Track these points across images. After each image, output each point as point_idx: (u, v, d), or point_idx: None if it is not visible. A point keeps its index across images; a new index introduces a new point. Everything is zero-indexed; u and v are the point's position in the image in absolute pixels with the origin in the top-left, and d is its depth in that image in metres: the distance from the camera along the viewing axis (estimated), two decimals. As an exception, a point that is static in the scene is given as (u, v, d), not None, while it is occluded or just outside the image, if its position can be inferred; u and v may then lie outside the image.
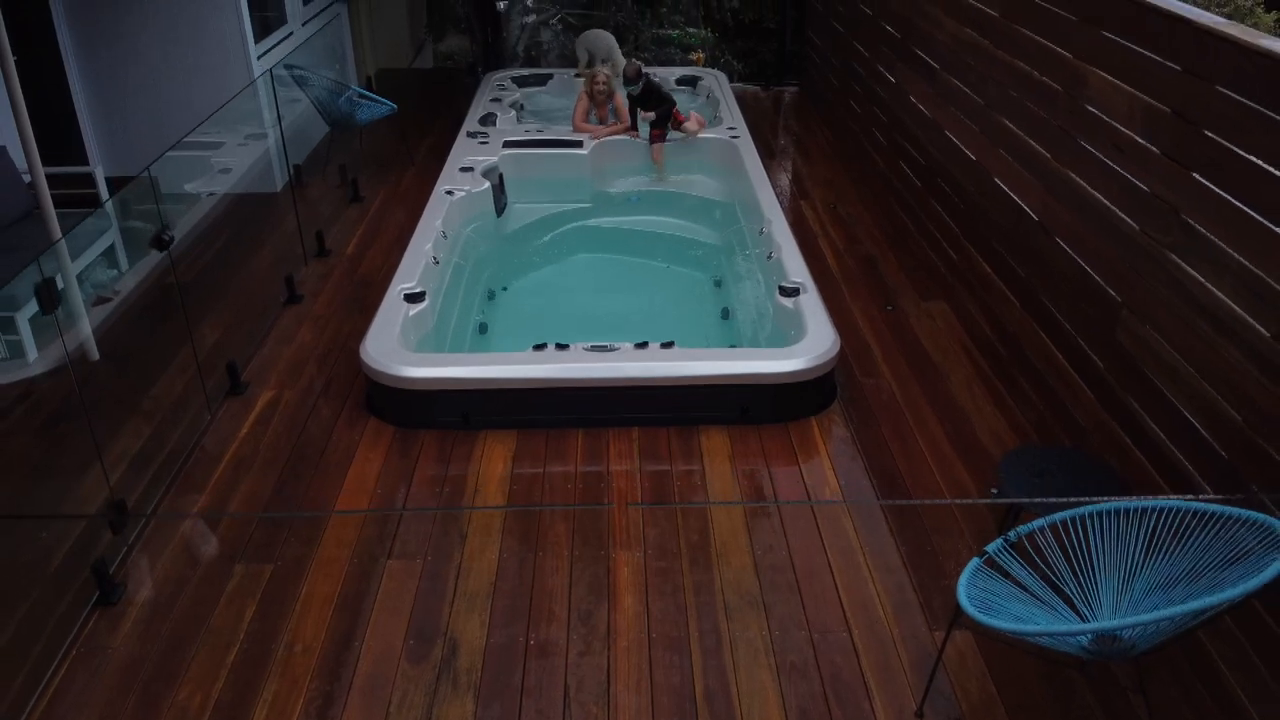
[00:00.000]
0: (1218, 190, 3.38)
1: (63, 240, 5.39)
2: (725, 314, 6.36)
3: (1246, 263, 3.23)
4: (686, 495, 4.47)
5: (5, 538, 4.06)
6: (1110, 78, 4.10)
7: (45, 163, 5.22)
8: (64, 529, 4.15)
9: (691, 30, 12.01)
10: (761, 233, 6.43)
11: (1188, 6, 3.68)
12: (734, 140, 7.96)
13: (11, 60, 4.93)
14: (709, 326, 6.33)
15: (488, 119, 8.45)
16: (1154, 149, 3.78)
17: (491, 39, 11.07)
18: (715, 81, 9.54)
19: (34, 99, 5.22)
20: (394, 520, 4.26)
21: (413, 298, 5.47)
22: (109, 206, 6.35)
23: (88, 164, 7.12)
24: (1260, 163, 3.17)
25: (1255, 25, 10.36)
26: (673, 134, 7.65)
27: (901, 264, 6.58)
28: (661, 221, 7.46)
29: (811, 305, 5.35)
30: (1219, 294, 3.38)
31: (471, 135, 7.98)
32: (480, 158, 7.52)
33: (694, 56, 11.34)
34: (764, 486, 4.49)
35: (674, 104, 7.60)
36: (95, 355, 5.42)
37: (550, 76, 9.84)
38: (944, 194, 6.26)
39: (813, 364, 4.87)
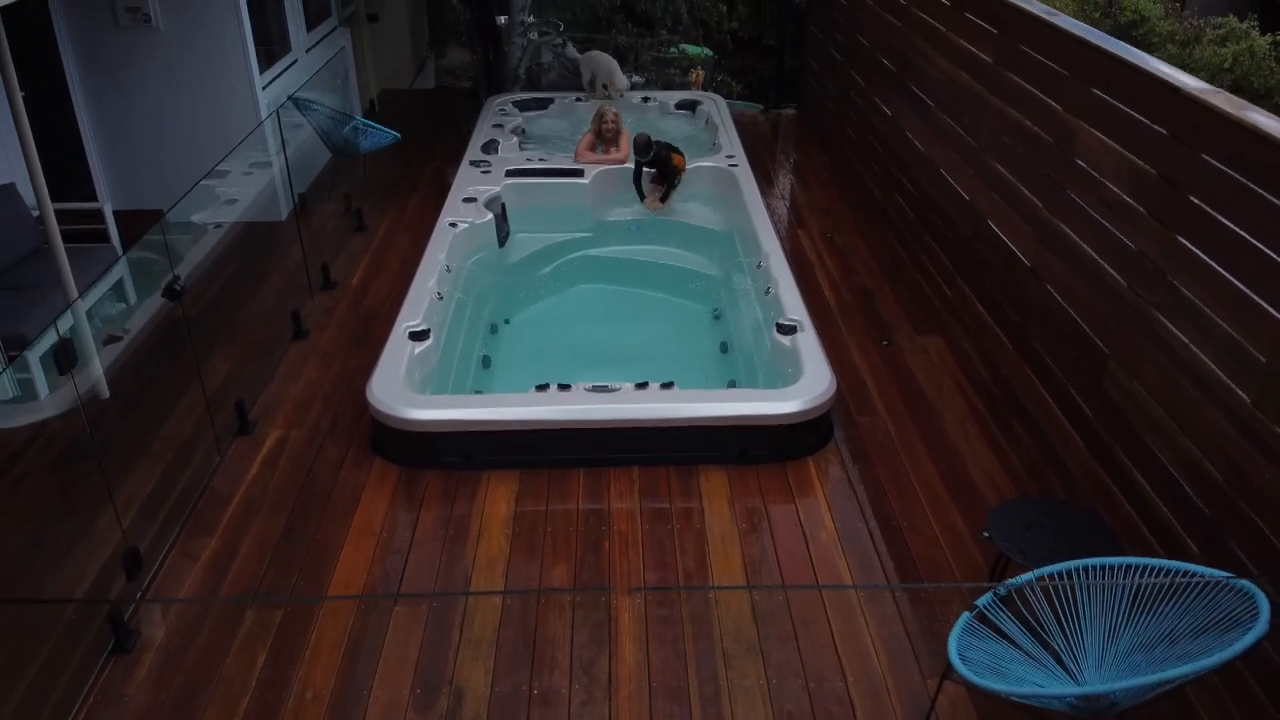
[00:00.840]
0: (1202, 255, 3.49)
1: (72, 280, 5.50)
2: (724, 348, 6.47)
3: (1229, 329, 3.34)
4: (686, 532, 4.57)
5: (23, 584, 4.17)
6: (1099, 135, 4.20)
7: (54, 198, 5.29)
8: (79, 575, 4.26)
9: (690, 47, 12.09)
10: (759, 266, 6.53)
11: (1177, 73, 3.78)
12: (733, 169, 8.07)
13: (19, 96, 4.99)
14: (708, 360, 6.44)
15: (490, 146, 8.56)
16: (1140, 209, 3.88)
17: (493, 59, 11.16)
18: (714, 106, 9.64)
19: (42, 134, 5.28)
20: (400, 564, 4.36)
21: (417, 335, 5.57)
22: (115, 241, 6.44)
23: (96, 198, 7.22)
24: (1242, 233, 3.27)
25: (1251, 48, 10.49)
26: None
27: (897, 296, 6.69)
28: (661, 251, 7.56)
29: (808, 344, 5.45)
30: (1203, 356, 3.48)
31: (474, 164, 8.08)
32: (483, 187, 7.63)
33: (693, 75, 11.44)
34: (762, 528, 4.59)
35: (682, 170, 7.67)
36: (106, 394, 5.53)
37: (551, 100, 9.94)
38: (938, 229, 6.36)
39: (809, 406, 4.97)
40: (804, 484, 4.90)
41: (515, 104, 9.78)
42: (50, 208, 5.33)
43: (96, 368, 5.40)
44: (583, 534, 4.53)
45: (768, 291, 6.19)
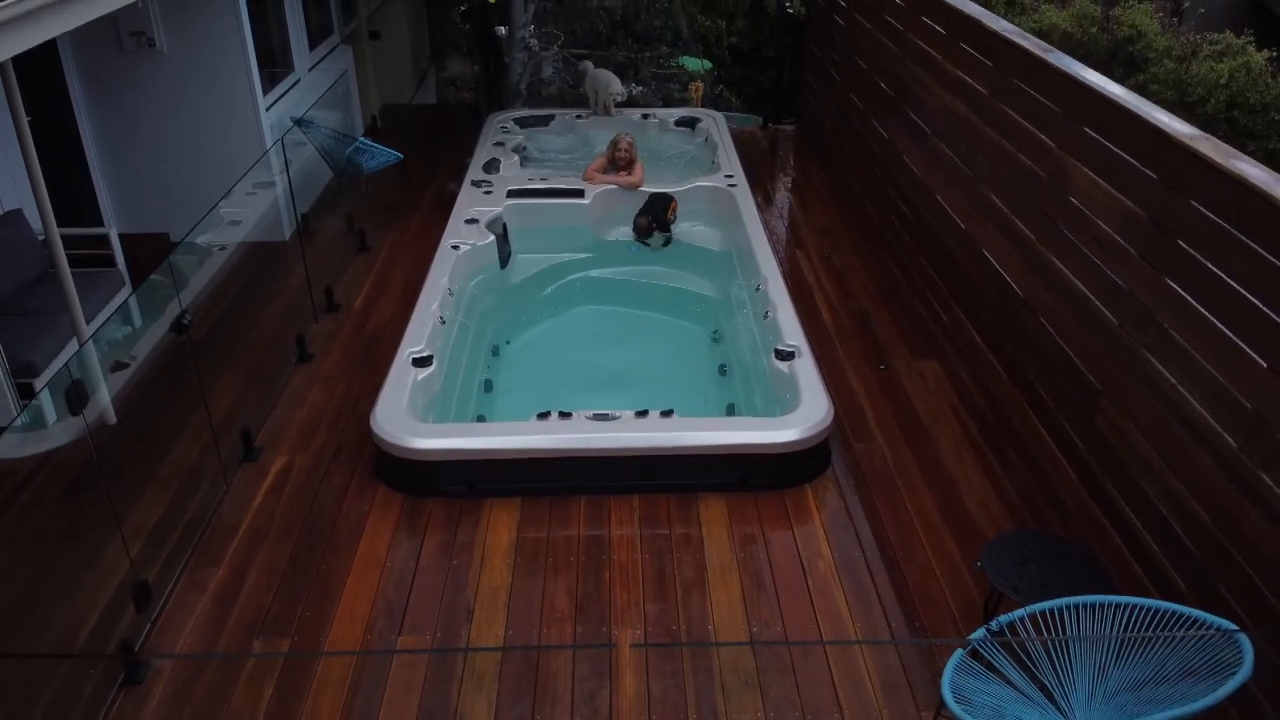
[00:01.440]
0: (1190, 300, 3.56)
1: (80, 307, 5.57)
2: (722, 370, 6.55)
3: (1216, 374, 3.41)
4: (685, 562, 4.64)
5: (35, 613, 4.24)
6: (1091, 174, 4.27)
7: (59, 222, 5.30)
8: (89, 605, 4.33)
9: (689, 60, 12.14)
10: (758, 289, 6.61)
11: (1166, 117, 3.85)
12: (732, 189, 8.14)
13: (25, 121, 5.04)
14: (706, 383, 6.52)
15: (491, 165, 8.63)
16: (1131, 250, 3.96)
17: (494, 72, 11.23)
18: (714, 124, 9.72)
19: (47, 158, 5.29)
20: (404, 594, 4.44)
21: (420, 362, 5.65)
22: (121, 265, 6.51)
23: (101, 222, 7.29)
24: (1229, 280, 3.35)
25: (1247, 64, 10.55)
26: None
27: (894, 319, 6.76)
28: (660, 272, 7.64)
29: (806, 371, 5.52)
30: (1191, 399, 3.56)
31: (476, 184, 8.16)
32: (485, 208, 7.70)
33: (692, 87, 11.51)
34: (760, 557, 4.66)
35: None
36: (113, 420, 5.60)
37: (552, 117, 10.01)
38: (934, 255, 6.44)
39: (807, 434, 5.05)
40: (802, 512, 4.97)
41: (516, 121, 9.86)
42: (57, 233, 5.38)
43: (104, 395, 5.47)
44: (583, 564, 4.60)
45: (766, 315, 6.27)
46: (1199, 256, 3.51)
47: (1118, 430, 4.07)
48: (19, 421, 5.47)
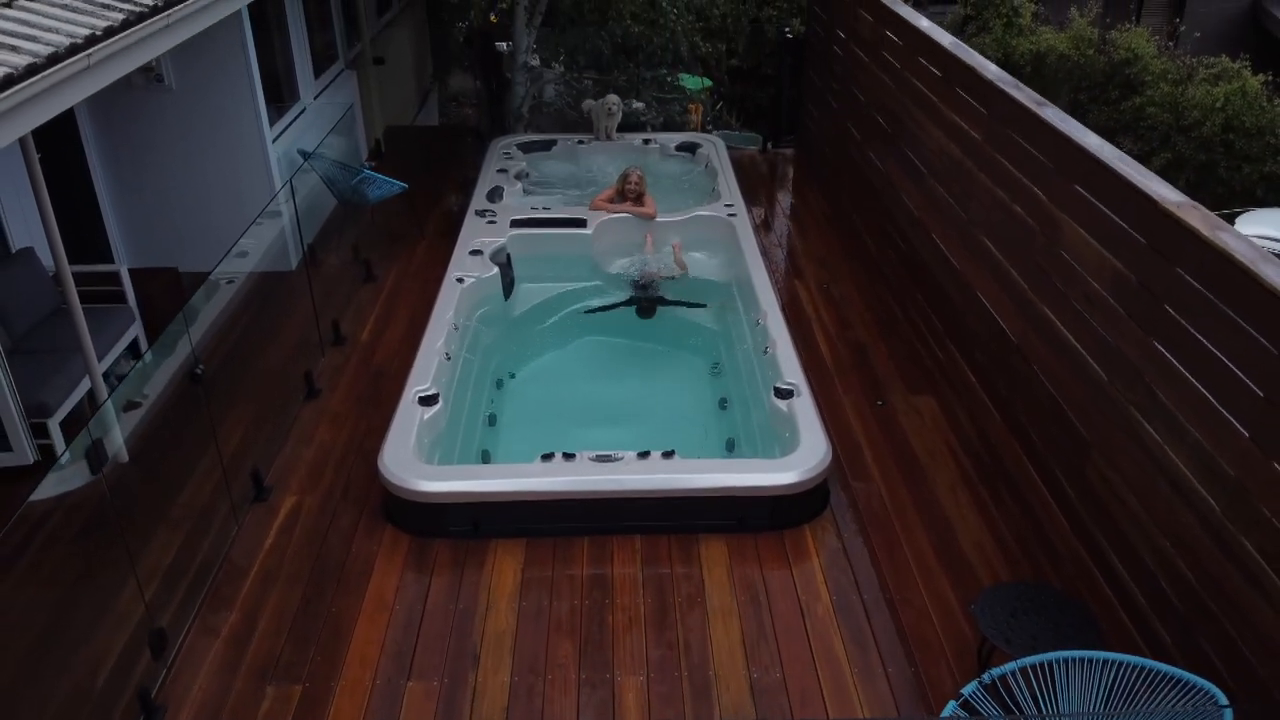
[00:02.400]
0: (1177, 364, 3.67)
1: (92, 347, 5.68)
2: (723, 403, 6.67)
3: (1200, 438, 3.52)
4: (686, 604, 4.75)
5: (53, 658, 4.35)
6: (1083, 232, 4.38)
7: (70, 255, 5.38)
8: (106, 649, 4.44)
9: (689, 79, 12.22)
10: (758, 323, 6.72)
11: (1155, 182, 3.96)
12: (731, 218, 8.26)
13: (36, 158, 5.12)
14: (707, 416, 6.64)
15: (495, 193, 8.75)
16: (1120, 310, 4.07)
17: (496, 93, 11.33)
18: (713, 149, 9.83)
19: (58, 194, 5.37)
20: (412, 638, 4.55)
21: (426, 400, 5.76)
22: (132, 302, 6.62)
23: (111, 257, 7.41)
24: (1214, 350, 3.46)
25: (1243, 88, 10.66)
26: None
27: (892, 353, 6.87)
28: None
29: (805, 410, 5.63)
30: (1177, 460, 3.67)
31: (480, 214, 8.27)
32: (488, 239, 7.82)
33: (692, 108, 11.62)
34: (760, 600, 4.77)
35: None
36: (125, 458, 5.71)
37: (554, 142, 10.12)
38: (929, 291, 6.55)
39: (806, 477, 5.16)
40: (801, 553, 5.08)
41: (519, 146, 9.96)
42: (68, 271, 5.48)
43: (117, 437, 5.57)
44: (587, 607, 4.72)
45: (765, 351, 6.38)
46: (1185, 324, 3.62)
47: (1107, 483, 4.19)
48: (29, 452, 5.58)
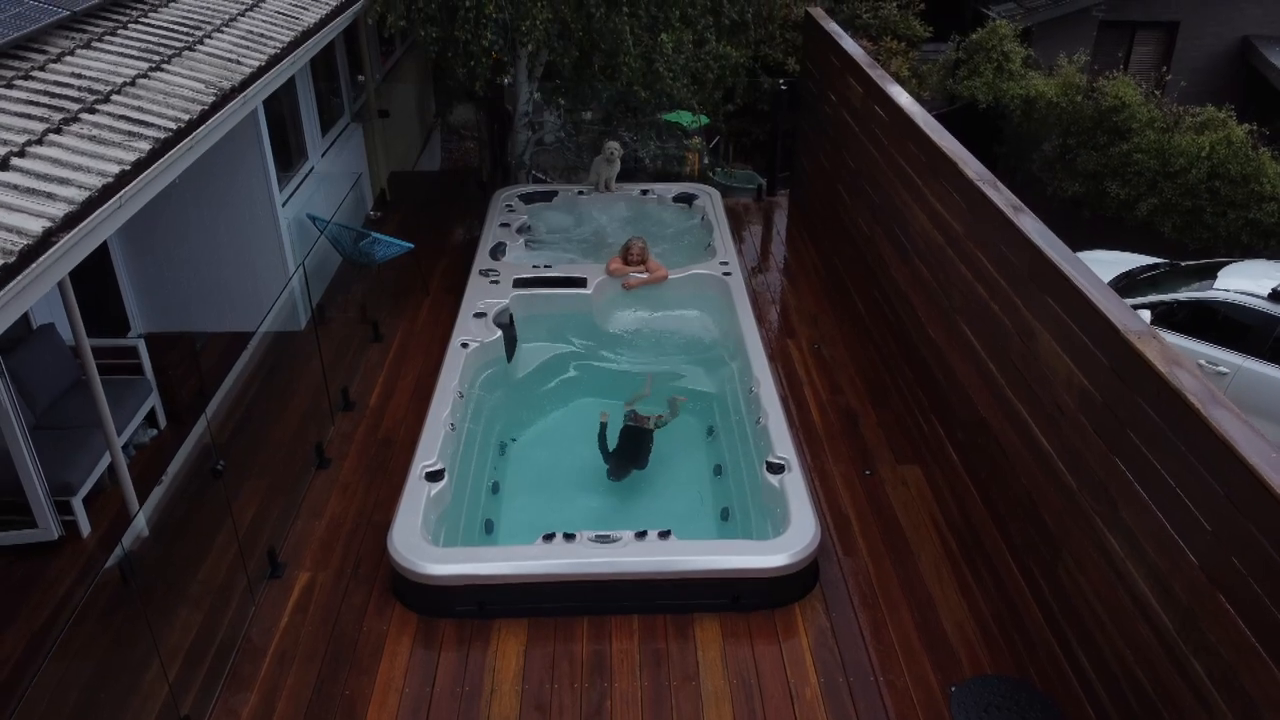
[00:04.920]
0: (1137, 486, 3.93)
1: (112, 424, 5.94)
2: (718, 470, 6.93)
3: (1157, 560, 3.78)
4: (681, 687, 5.02)
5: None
6: (1054, 343, 4.64)
7: (86, 320, 5.53)
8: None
9: (684, 115, 12.43)
10: (751, 391, 6.98)
11: (1120, 306, 4.21)
12: (726, 277, 8.51)
13: None
14: (703, 483, 6.90)
15: (498, 250, 9.01)
16: (1087, 424, 4.32)
17: (499, 134, 11.57)
18: (710, 201, 10.07)
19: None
20: (424, 716, 4.82)
21: (433, 476, 6.02)
22: (149, 374, 6.88)
23: (126, 322, 7.67)
24: (1169, 479, 3.72)
25: (1228, 137, 10.90)
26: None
27: (880, 420, 7.13)
28: (658, 364, 8.01)
29: (795, 487, 5.89)
30: (1136, 576, 3.93)
31: (483, 274, 8.52)
32: (492, 300, 8.08)
33: (689, 155, 11.86)
34: (751, 683, 5.03)
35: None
36: (146, 533, 5.98)
37: (555, 193, 10.37)
38: (915, 364, 6.80)
39: (795, 559, 5.42)
40: (791, 632, 5.35)
41: (521, 197, 10.21)
42: (88, 348, 5.72)
43: (140, 520, 5.83)
44: (587, 690, 4.98)
45: (758, 421, 6.64)
46: (1144, 450, 3.87)
47: (1075, 585, 4.44)
48: (53, 527, 5.82)
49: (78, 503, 5.98)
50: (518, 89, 10.40)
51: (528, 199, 10.24)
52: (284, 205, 8.26)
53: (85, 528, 6.03)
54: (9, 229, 3.44)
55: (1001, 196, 5.33)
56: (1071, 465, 4.49)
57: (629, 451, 6.76)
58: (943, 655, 5.17)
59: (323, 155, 9.55)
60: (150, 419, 6.96)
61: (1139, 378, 3.90)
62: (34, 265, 3.34)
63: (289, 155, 8.84)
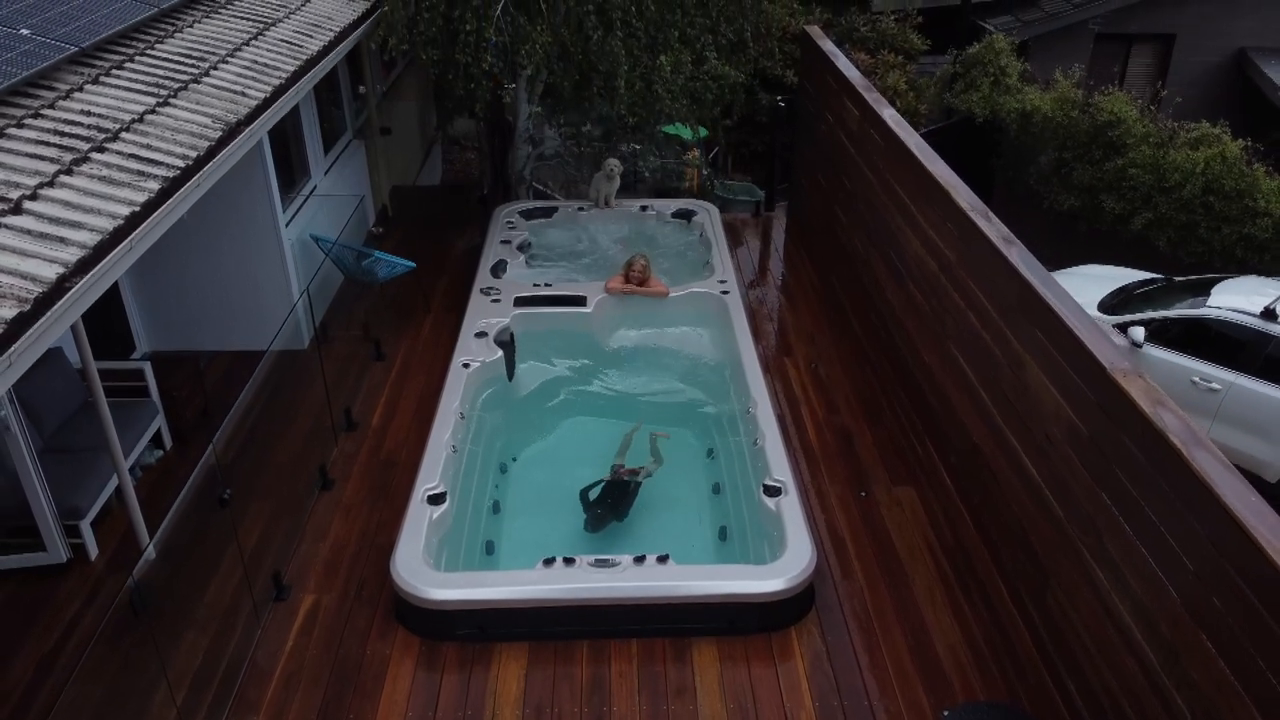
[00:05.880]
0: (1122, 520, 4.03)
1: (119, 446, 6.04)
2: (716, 488, 7.03)
3: (1141, 595, 3.88)
4: (680, 704, 5.12)
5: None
6: (1043, 376, 4.74)
7: (92, 341, 5.61)
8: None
9: (682, 128, 12.54)
10: (749, 412, 7.08)
11: (1106, 343, 4.30)
12: (724, 295, 8.61)
13: None
14: (701, 501, 7.00)
15: (499, 268, 9.12)
16: (1075, 458, 4.42)
17: (500, 147, 11.67)
18: (708, 217, 10.17)
19: None
20: (425, 745, 4.93)
21: (435, 499, 6.12)
22: (155, 396, 6.98)
23: (132, 343, 7.77)
24: (1152, 516, 3.82)
25: (1223, 153, 10.99)
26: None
27: (876, 440, 7.23)
28: (657, 383, 8.11)
29: (792, 511, 5.99)
30: (1122, 608, 4.03)
31: (484, 292, 8.62)
32: (493, 319, 8.18)
33: (688, 172, 11.96)
34: (748, 707, 5.13)
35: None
36: (153, 556, 6.08)
37: (555, 209, 10.47)
38: (910, 386, 6.89)
39: (791, 584, 5.52)
40: (786, 656, 5.45)
41: (521, 214, 10.31)
42: (95, 371, 5.82)
43: (144, 535, 5.93)
44: (586, 713, 5.08)
45: (756, 443, 6.74)
46: (1130, 487, 3.97)
47: (1064, 615, 4.54)
48: (61, 550, 5.92)
49: (86, 526, 6.08)
50: (517, 106, 10.51)
51: (528, 215, 10.34)
52: (287, 225, 8.35)
53: (93, 550, 6.13)
54: (24, 276, 3.54)
55: (993, 228, 5.43)
56: (1060, 496, 4.59)
57: (611, 503, 6.59)
58: (935, 679, 5.27)
59: (325, 173, 9.65)
60: (156, 440, 7.06)
61: (1124, 416, 4.00)
62: (49, 313, 3.44)
63: (291, 174, 8.94)
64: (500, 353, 7.88)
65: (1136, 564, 3.92)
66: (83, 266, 3.72)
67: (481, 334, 8.01)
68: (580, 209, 10.44)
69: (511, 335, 8.20)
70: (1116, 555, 4.07)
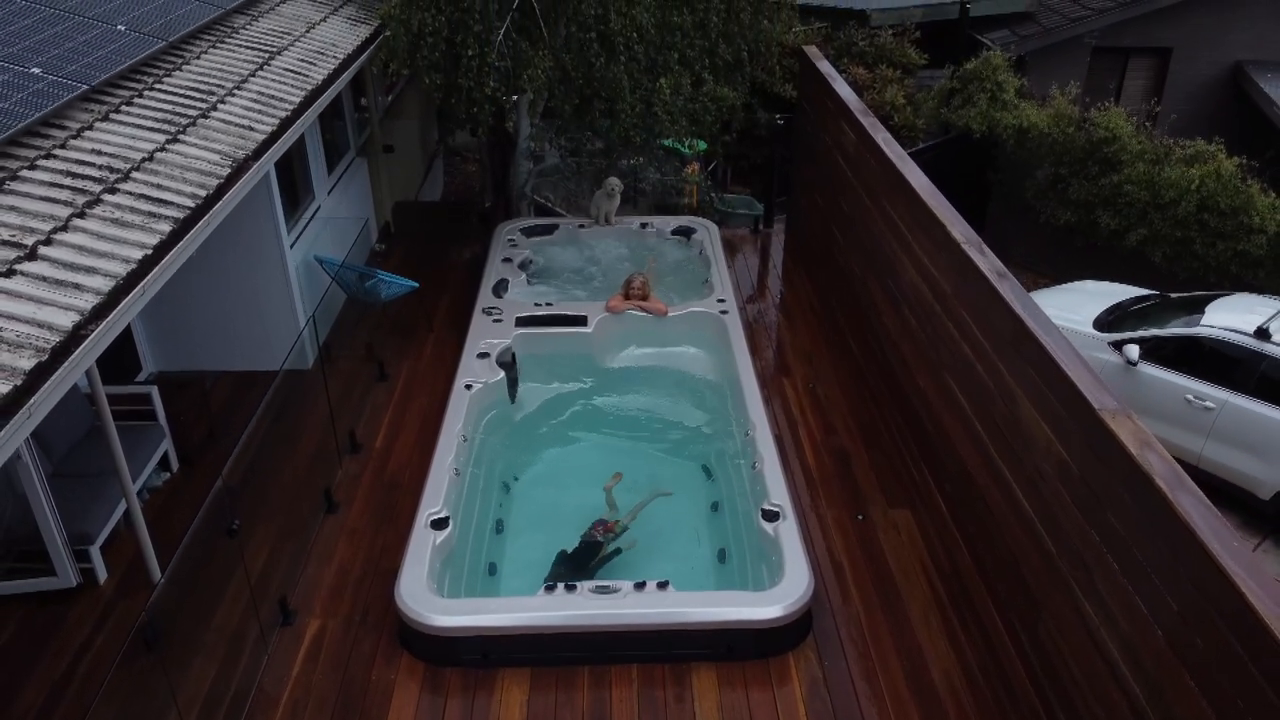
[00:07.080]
0: (1110, 557, 4.13)
1: (128, 471, 6.14)
2: (715, 507, 7.14)
3: (1128, 630, 3.98)
4: (679, 731, 5.23)
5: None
6: (1033, 410, 4.84)
7: (99, 362, 5.71)
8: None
9: (683, 144, 12.65)
10: (748, 435, 7.18)
11: (1095, 383, 4.40)
12: (723, 315, 8.71)
13: None
14: (700, 521, 7.10)
15: (500, 287, 9.22)
16: (1065, 494, 4.52)
17: (501, 162, 11.78)
18: (707, 235, 10.28)
19: None
20: (429, 771, 5.03)
21: (438, 524, 6.23)
22: (162, 420, 7.08)
23: (139, 364, 7.87)
24: (1138, 555, 3.92)
25: (1218, 170, 11.10)
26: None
27: (873, 462, 7.33)
28: (657, 403, 8.22)
29: (789, 537, 6.09)
30: (1109, 642, 4.13)
31: (486, 311, 8.73)
32: (495, 340, 8.29)
33: (687, 189, 12.06)
34: (745, 732, 5.25)
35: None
36: (160, 579, 6.17)
37: (556, 227, 10.57)
38: (906, 410, 6.99)
39: (789, 611, 5.62)
40: (784, 682, 5.55)
41: (522, 231, 10.42)
42: (104, 397, 5.91)
43: (152, 559, 6.03)
44: (588, 735, 5.19)
45: (754, 466, 6.84)
46: (1117, 525, 4.07)
47: (1055, 646, 4.64)
48: (71, 575, 6.02)
49: (95, 551, 6.19)
50: (519, 125, 10.61)
51: (529, 232, 10.44)
52: (291, 247, 8.45)
53: (102, 574, 6.23)
54: (41, 325, 3.64)
55: (986, 261, 5.53)
56: (1051, 530, 4.69)
57: (578, 563, 6.38)
58: (930, 705, 5.37)
59: (329, 192, 9.75)
60: (163, 462, 7.17)
61: (1112, 456, 4.09)
62: (67, 362, 3.55)
63: (296, 195, 9.04)
64: (502, 373, 7.99)
65: (1123, 600, 4.02)
66: (98, 313, 3.82)
67: (483, 354, 8.12)
68: (581, 226, 10.54)
69: (513, 356, 8.31)
70: (1104, 591, 4.17)
